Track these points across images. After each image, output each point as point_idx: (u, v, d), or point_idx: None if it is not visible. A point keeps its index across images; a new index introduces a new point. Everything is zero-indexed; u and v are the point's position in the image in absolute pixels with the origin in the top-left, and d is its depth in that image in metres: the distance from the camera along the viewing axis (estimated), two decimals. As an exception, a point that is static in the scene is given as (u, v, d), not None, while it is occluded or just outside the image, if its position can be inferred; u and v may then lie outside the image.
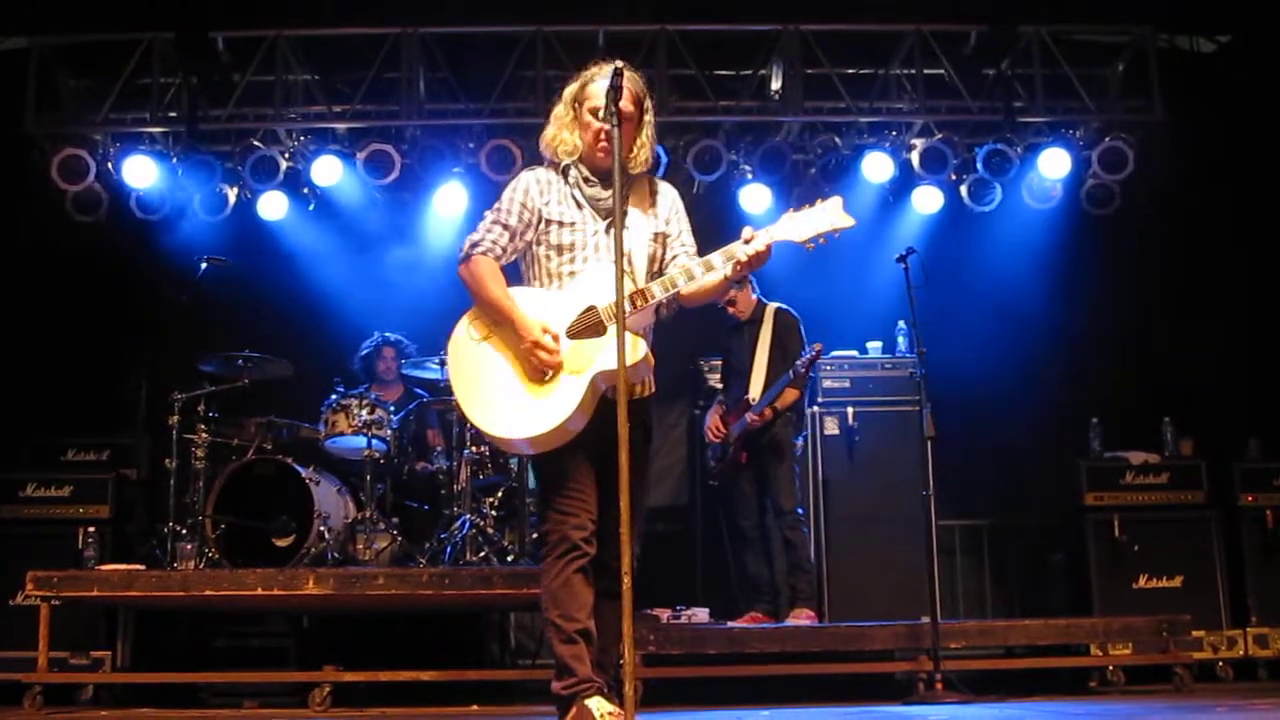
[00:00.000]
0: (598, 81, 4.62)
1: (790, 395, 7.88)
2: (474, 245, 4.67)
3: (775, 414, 7.85)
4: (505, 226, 4.67)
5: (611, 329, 4.46)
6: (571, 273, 4.63)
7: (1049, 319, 9.15)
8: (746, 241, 4.50)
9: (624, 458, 4.05)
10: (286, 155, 9.12)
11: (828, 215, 4.60)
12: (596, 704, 4.38)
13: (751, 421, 7.81)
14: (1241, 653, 7.98)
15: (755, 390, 7.92)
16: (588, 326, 4.54)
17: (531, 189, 4.69)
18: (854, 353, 8.83)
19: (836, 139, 9.26)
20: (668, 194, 4.85)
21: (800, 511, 7.97)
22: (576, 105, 4.68)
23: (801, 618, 7.66)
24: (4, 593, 7.65)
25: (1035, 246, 9.30)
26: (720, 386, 8.55)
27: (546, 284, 4.66)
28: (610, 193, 4.53)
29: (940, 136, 9.11)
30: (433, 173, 9.06)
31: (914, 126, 9.23)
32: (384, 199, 9.38)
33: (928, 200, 9.34)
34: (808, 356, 7.70)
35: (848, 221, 4.61)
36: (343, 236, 9.52)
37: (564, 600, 4.46)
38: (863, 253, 9.05)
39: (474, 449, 7.89)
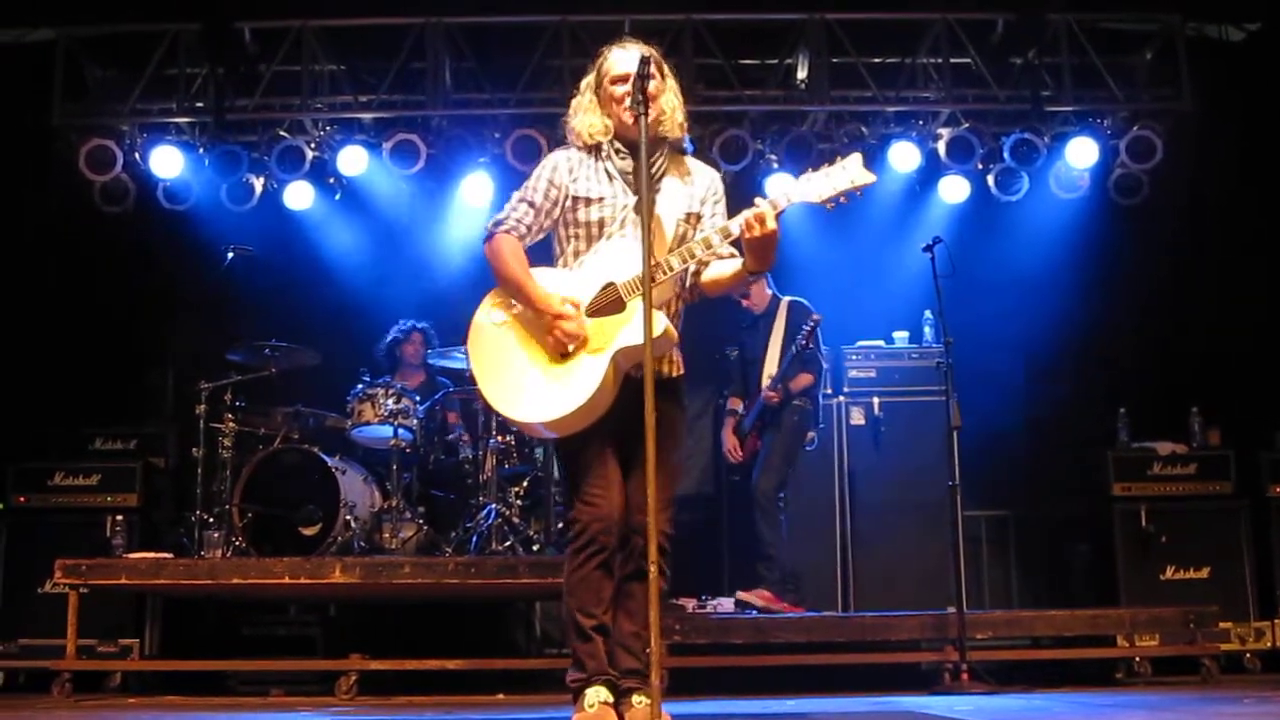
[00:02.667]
0: (614, 53, 4.58)
1: (804, 380, 7.82)
2: (498, 224, 4.60)
3: (788, 394, 7.78)
4: (531, 204, 4.59)
5: (631, 304, 4.36)
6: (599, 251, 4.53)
7: (1076, 309, 9.09)
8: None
9: (650, 441, 3.96)
10: (313, 145, 9.14)
11: (848, 173, 4.37)
12: (593, 693, 4.37)
13: (767, 397, 7.75)
14: (1269, 644, 7.97)
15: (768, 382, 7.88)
16: (607, 304, 4.41)
17: (560, 166, 4.62)
18: (880, 342, 8.84)
19: (863, 128, 9.23)
20: (709, 176, 4.75)
21: (782, 496, 7.79)
22: (597, 88, 4.64)
23: (754, 597, 7.56)
24: (33, 581, 7.73)
25: (1062, 236, 9.25)
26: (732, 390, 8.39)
27: (573, 262, 4.56)
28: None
29: (967, 126, 9.07)
30: (459, 162, 9.06)
31: (941, 116, 9.20)
32: (410, 189, 9.37)
33: (954, 190, 9.30)
34: (807, 328, 7.63)
35: (869, 178, 4.36)
36: (369, 226, 9.53)
37: (582, 595, 4.43)
38: (889, 242, 9.06)
39: (499, 438, 7.89)
